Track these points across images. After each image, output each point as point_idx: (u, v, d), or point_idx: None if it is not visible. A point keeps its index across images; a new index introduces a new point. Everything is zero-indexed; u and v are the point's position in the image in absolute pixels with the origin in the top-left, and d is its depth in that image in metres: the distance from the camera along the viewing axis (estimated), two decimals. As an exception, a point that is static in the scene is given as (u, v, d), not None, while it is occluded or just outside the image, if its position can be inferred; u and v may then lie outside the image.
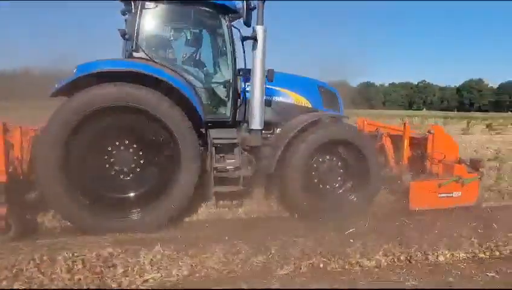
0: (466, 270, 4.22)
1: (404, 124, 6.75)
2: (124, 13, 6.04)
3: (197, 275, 3.89)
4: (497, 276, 4.14)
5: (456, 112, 71.11)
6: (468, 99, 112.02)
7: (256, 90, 5.61)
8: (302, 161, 5.67)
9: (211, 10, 5.73)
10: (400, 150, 6.49)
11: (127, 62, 5.31)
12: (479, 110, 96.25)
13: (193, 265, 3.95)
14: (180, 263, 3.97)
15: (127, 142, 5.13)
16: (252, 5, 5.48)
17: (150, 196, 5.19)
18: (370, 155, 5.95)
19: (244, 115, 6.00)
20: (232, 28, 5.83)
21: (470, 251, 4.67)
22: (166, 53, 5.89)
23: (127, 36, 5.49)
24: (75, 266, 3.80)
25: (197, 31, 6.07)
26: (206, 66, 6.16)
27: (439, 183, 5.96)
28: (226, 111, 5.89)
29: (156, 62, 5.43)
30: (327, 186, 6.02)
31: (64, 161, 4.77)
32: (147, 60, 5.39)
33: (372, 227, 5.01)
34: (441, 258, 4.47)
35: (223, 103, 5.92)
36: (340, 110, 6.93)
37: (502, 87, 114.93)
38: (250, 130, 5.73)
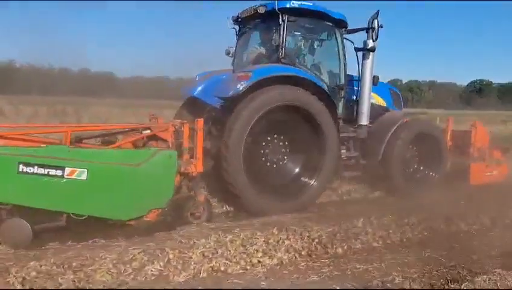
0: (361, 261, 4.34)
1: (448, 119, 8.09)
2: (237, 20, 6.91)
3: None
4: (392, 261, 4.36)
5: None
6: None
7: (365, 92, 6.80)
8: (402, 150, 6.97)
9: (331, 24, 6.74)
10: None
11: (292, 68, 6.12)
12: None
13: (76, 280, 3.44)
14: (60, 280, 3.43)
15: (284, 135, 6.17)
16: (380, 24, 6.60)
17: (304, 179, 6.24)
18: (442, 143, 7.51)
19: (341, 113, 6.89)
20: (345, 40, 6.88)
21: (365, 240, 4.85)
22: (300, 59, 6.69)
23: (273, 44, 6.26)
24: None
25: (320, 41, 6.97)
26: (328, 71, 7.00)
27: (487, 164, 7.69)
28: (340, 109, 6.80)
29: (302, 68, 6.34)
30: (415, 168, 7.48)
31: (246, 154, 5.53)
32: (290, 65, 6.18)
33: (273, 223, 4.95)
34: (339, 251, 4.57)
35: (338, 103, 6.76)
36: (402, 108, 8.28)
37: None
38: (360, 125, 6.87)
